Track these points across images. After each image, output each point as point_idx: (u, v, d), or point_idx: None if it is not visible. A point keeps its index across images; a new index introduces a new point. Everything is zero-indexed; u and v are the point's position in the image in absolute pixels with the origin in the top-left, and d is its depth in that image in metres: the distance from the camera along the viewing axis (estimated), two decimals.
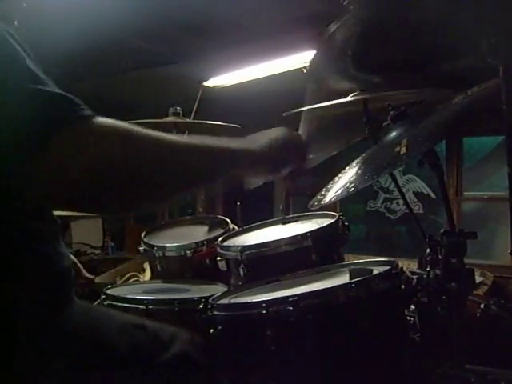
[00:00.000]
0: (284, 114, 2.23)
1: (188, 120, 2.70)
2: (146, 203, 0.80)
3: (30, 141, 0.64)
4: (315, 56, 1.51)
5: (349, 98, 1.53)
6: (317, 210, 1.78)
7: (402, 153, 1.14)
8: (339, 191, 1.30)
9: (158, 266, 1.95)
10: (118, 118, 0.74)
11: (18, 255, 0.85)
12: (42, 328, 0.87)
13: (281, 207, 2.10)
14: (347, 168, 1.47)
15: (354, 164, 1.46)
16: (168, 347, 1.04)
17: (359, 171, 1.35)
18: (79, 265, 1.58)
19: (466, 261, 1.20)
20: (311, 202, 1.41)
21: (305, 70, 3.04)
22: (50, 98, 0.67)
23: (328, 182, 1.46)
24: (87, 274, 1.65)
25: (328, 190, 1.40)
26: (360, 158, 1.48)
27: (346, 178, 1.37)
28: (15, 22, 1.03)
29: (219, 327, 1.24)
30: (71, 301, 0.99)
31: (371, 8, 1.18)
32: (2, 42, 0.68)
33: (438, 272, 1.20)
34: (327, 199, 1.34)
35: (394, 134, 1.35)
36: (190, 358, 1.06)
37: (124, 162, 0.69)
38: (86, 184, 0.67)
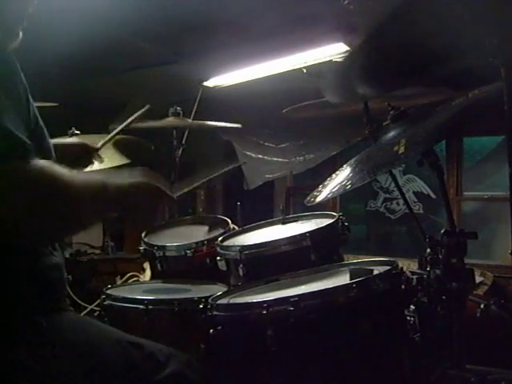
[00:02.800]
0: (284, 111, 2.23)
1: (188, 120, 2.70)
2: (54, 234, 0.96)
3: None
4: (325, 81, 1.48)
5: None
6: (317, 210, 1.78)
7: (400, 152, 1.14)
8: (336, 188, 1.30)
9: (158, 266, 1.95)
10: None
11: (7, 261, 0.86)
12: (21, 330, 0.89)
13: (281, 207, 2.10)
14: (345, 166, 1.46)
15: (351, 162, 1.46)
16: (164, 367, 1.06)
17: (357, 169, 1.35)
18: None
19: (466, 261, 1.20)
20: (308, 198, 1.41)
21: (305, 70, 3.04)
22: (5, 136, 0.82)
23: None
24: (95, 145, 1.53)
25: (325, 187, 1.40)
26: (358, 156, 1.48)
27: (343, 176, 1.37)
28: (24, 22, 1.03)
29: (219, 327, 1.24)
30: (59, 310, 1.01)
31: (378, 16, 1.17)
32: None
33: (438, 272, 1.20)
34: (323, 195, 1.34)
35: (393, 133, 1.35)
36: (185, 378, 1.07)
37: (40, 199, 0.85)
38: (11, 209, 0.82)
